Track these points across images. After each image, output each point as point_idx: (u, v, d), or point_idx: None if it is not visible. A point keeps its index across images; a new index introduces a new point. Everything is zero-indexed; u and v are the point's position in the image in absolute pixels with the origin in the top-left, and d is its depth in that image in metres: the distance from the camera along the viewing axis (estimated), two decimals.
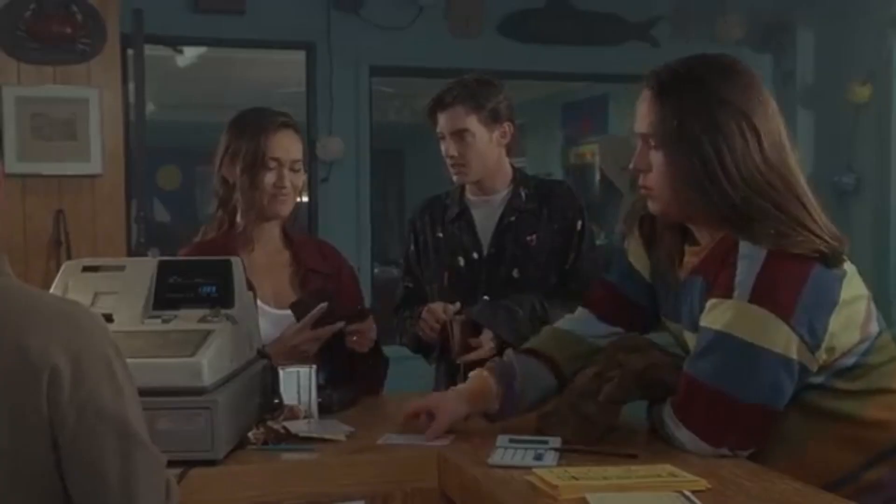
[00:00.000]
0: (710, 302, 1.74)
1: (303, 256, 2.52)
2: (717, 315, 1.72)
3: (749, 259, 1.71)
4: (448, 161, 2.77)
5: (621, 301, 2.04)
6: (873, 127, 5.71)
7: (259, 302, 2.34)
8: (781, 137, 1.78)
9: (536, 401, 1.99)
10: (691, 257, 1.86)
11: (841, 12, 5.79)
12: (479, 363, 2.18)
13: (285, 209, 2.47)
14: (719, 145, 1.72)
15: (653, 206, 1.87)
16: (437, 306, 2.69)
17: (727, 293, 1.71)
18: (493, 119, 2.74)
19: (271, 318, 2.38)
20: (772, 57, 5.99)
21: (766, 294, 1.67)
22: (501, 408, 1.97)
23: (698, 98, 1.75)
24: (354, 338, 2.38)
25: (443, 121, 2.74)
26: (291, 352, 2.27)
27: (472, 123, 2.72)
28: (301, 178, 2.48)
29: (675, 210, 1.84)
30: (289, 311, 2.41)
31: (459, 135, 2.72)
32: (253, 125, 2.44)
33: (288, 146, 2.44)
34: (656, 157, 1.80)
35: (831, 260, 1.70)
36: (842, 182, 5.67)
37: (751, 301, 1.68)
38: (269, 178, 2.41)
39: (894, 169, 5.64)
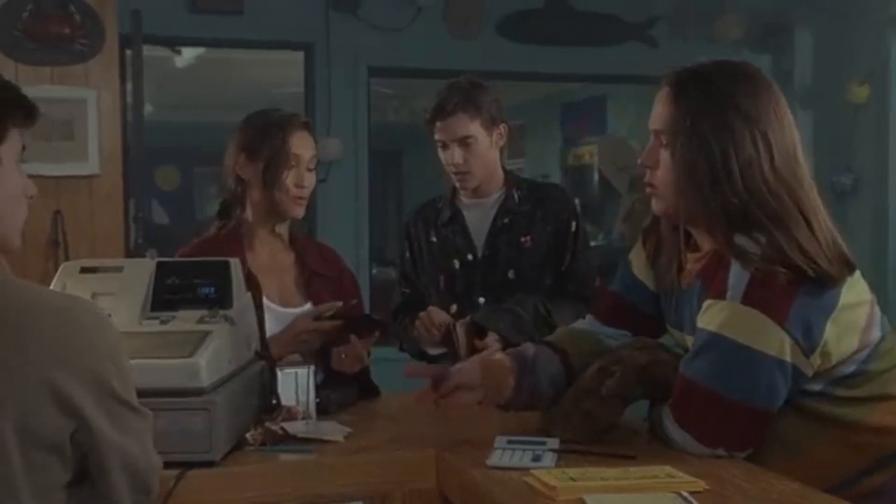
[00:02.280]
0: (706, 303, 1.74)
1: (306, 259, 2.53)
2: (711, 316, 1.72)
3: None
4: (451, 169, 2.76)
5: (627, 310, 2.05)
6: (872, 127, 5.71)
7: (265, 300, 2.35)
8: (796, 152, 1.77)
9: (547, 386, 1.96)
10: (693, 264, 1.86)
11: (840, 12, 5.79)
12: None
13: (302, 211, 2.49)
14: (727, 148, 1.72)
15: (656, 206, 1.87)
16: (436, 310, 2.69)
17: (721, 294, 1.71)
18: (491, 122, 2.74)
19: (277, 317, 2.39)
20: (770, 57, 6.00)
21: (759, 296, 1.67)
22: (517, 384, 1.93)
23: (713, 101, 1.75)
24: (343, 355, 2.37)
25: (445, 129, 2.73)
26: (294, 339, 2.30)
27: (476, 129, 2.72)
28: (314, 179, 2.51)
29: (676, 211, 1.83)
30: (294, 310, 2.43)
31: (464, 142, 2.72)
32: (276, 124, 2.45)
33: (307, 144, 2.48)
34: (665, 155, 1.80)
35: (818, 283, 1.68)
36: (840, 182, 5.68)
37: (743, 302, 1.68)
38: (292, 176, 2.43)
39: (893, 169, 5.64)
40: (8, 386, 1.33)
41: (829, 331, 1.69)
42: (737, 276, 1.69)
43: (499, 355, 2.02)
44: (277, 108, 2.53)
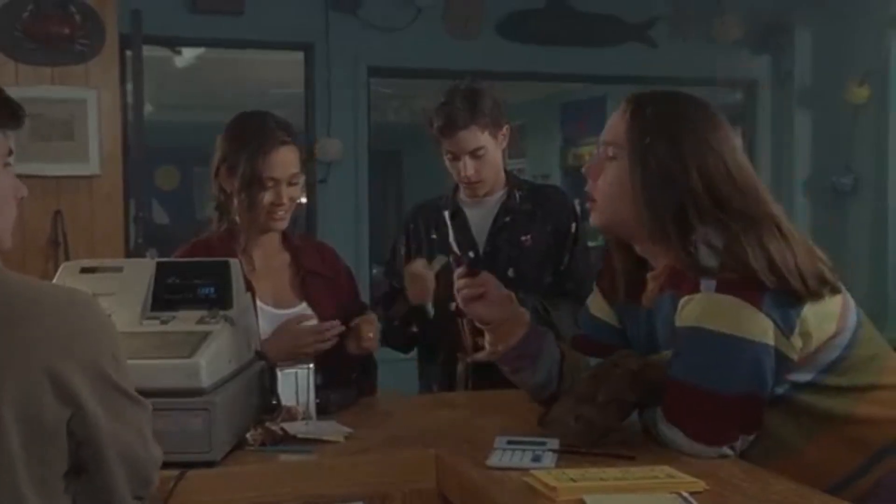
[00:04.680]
0: (681, 302, 1.75)
1: (302, 258, 2.53)
2: (688, 312, 1.73)
3: None
4: (462, 179, 2.77)
5: (595, 345, 2.06)
6: (871, 127, 5.72)
7: (258, 302, 2.35)
8: (756, 185, 1.80)
9: (544, 361, 1.99)
10: (653, 282, 1.88)
11: (839, 13, 5.80)
12: (488, 363, 2.19)
13: (282, 225, 2.46)
14: (685, 159, 1.76)
15: (594, 218, 1.91)
16: (418, 264, 2.68)
17: (694, 290, 1.72)
18: (496, 126, 2.76)
19: (271, 318, 2.39)
20: (770, 57, 6.01)
21: (733, 284, 1.68)
22: (524, 339, 1.97)
23: (672, 120, 1.80)
24: (371, 334, 2.37)
25: (458, 142, 2.73)
26: (294, 352, 2.28)
27: (486, 139, 2.74)
28: (298, 189, 2.46)
29: (615, 223, 1.87)
30: (288, 311, 2.42)
31: (475, 154, 2.73)
32: (252, 143, 2.39)
33: (286, 163, 2.41)
34: (612, 167, 1.84)
35: (779, 293, 1.68)
36: (840, 182, 5.68)
37: (717, 291, 1.69)
38: (268, 197, 2.39)
39: (892, 169, 5.65)
40: (9, 377, 1.34)
41: (807, 310, 1.69)
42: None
43: (523, 310, 2.06)
44: (265, 116, 2.47)
